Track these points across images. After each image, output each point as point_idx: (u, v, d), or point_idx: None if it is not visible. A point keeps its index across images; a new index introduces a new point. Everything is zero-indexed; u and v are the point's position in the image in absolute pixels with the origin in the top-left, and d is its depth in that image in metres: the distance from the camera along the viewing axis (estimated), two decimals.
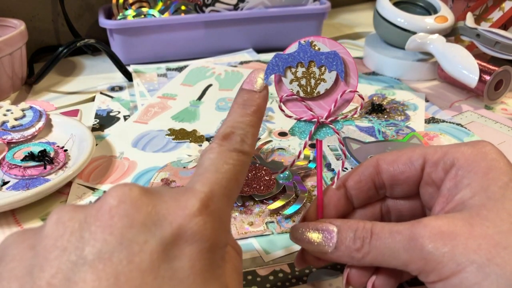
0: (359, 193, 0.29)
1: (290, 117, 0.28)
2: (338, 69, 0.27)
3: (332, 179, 0.41)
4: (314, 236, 0.26)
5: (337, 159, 0.44)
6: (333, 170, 0.42)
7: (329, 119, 0.28)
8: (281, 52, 0.28)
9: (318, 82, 0.27)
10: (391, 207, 0.30)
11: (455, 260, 0.22)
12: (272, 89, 0.29)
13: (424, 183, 0.27)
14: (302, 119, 0.28)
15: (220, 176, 0.21)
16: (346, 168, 0.42)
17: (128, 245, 0.17)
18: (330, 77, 0.27)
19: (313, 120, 0.28)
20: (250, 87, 0.26)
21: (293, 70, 0.27)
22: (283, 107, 0.28)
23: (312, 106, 0.28)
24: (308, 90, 0.28)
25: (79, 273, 0.17)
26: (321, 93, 0.27)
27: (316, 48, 0.27)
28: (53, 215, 0.19)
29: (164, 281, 0.17)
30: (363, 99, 0.27)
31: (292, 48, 0.28)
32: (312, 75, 0.27)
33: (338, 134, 0.28)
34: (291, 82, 0.28)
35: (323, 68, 0.27)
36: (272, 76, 0.28)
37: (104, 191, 0.39)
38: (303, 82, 0.27)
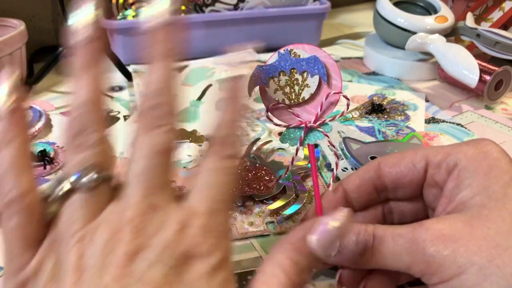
0: (359, 196, 0.29)
1: (279, 125, 0.28)
2: (320, 73, 0.27)
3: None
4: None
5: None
6: (333, 170, 0.42)
7: (317, 123, 0.28)
8: (262, 64, 0.28)
9: (301, 88, 0.27)
10: (393, 209, 0.30)
11: (456, 262, 0.22)
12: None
13: (428, 185, 0.27)
14: (291, 126, 0.28)
15: (217, 191, 0.22)
16: (346, 168, 0.42)
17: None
18: (313, 81, 0.27)
19: (302, 126, 0.28)
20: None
21: (276, 79, 0.28)
22: (271, 117, 0.28)
23: (299, 112, 0.28)
24: (293, 97, 0.28)
25: None
26: (306, 98, 0.28)
27: (296, 55, 0.27)
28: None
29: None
30: (348, 99, 0.27)
31: (272, 58, 0.28)
32: (295, 82, 0.27)
33: (328, 137, 0.28)
34: (275, 91, 0.28)
35: (305, 74, 0.27)
36: (257, 88, 0.28)
37: None
38: (287, 90, 0.28)
